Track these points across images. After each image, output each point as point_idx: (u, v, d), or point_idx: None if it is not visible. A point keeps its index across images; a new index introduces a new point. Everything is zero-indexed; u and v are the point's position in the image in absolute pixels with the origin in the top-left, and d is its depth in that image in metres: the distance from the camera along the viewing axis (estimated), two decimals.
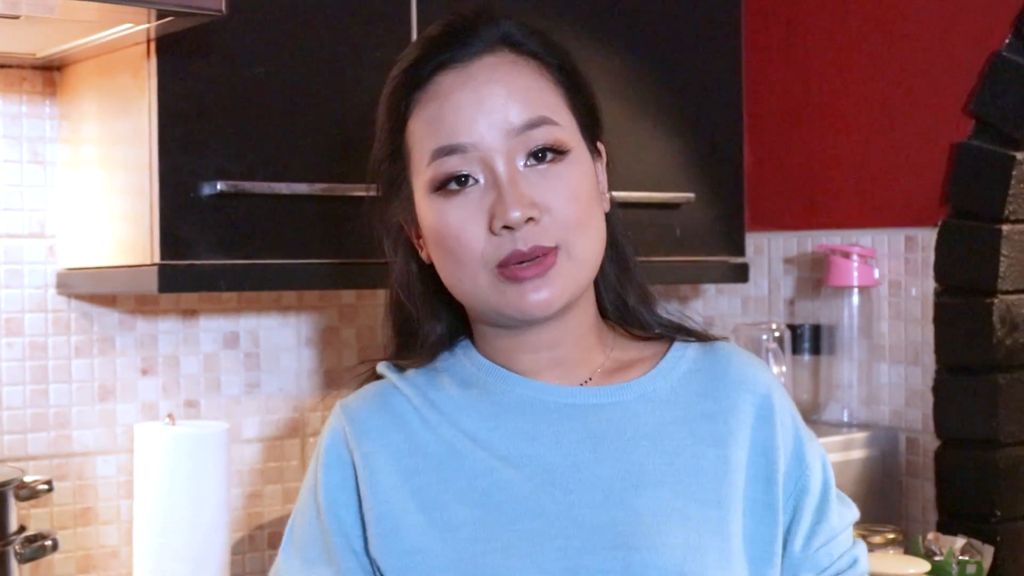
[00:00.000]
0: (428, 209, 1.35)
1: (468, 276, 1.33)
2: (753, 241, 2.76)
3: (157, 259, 1.82)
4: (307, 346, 2.37)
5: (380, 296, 2.39)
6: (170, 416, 2.04)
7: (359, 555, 1.35)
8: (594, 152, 1.42)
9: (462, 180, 1.32)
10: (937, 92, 2.49)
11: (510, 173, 1.31)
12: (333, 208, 1.95)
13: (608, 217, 1.42)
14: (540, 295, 1.31)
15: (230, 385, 2.30)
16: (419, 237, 1.41)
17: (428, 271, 1.42)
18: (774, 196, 2.77)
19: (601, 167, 1.43)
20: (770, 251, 2.79)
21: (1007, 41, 2.39)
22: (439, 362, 1.44)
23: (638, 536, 1.28)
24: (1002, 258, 2.39)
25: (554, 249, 1.31)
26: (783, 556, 1.38)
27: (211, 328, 2.28)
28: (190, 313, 2.25)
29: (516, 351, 1.40)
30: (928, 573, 2.16)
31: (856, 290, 2.60)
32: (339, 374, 2.39)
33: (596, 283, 1.43)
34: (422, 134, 1.35)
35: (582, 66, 1.42)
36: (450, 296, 1.41)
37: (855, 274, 2.57)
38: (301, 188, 1.91)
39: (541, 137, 1.33)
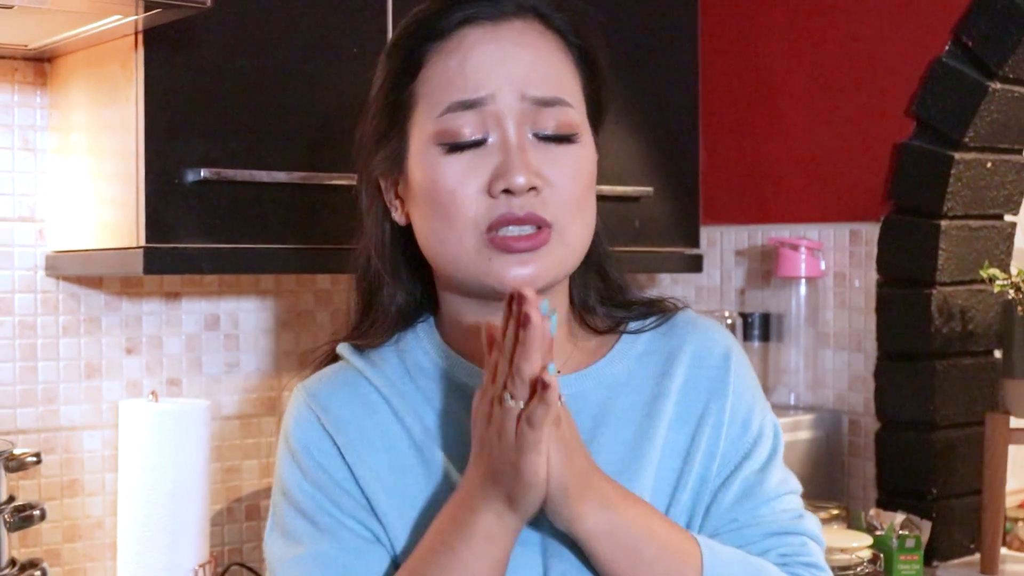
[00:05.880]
0: (425, 162, 1.23)
1: (454, 237, 1.22)
2: (707, 234, 2.76)
3: (142, 242, 1.80)
4: (284, 328, 2.35)
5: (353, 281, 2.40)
6: (153, 393, 2.02)
7: (355, 501, 1.25)
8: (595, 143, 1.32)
9: (472, 142, 1.22)
10: (881, 95, 2.50)
11: (520, 139, 1.22)
12: (311, 196, 1.92)
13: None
14: (525, 270, 1.21)
15: (211, 365, 2.27)
16: (397, 197, 1.29)
17: (400, 234, 1.31)
18: (727, 192, 2.76)
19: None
20: (723, 243, 2.79)
21: (947, 48, 2.40)
22: (401, 344, 1.33)
23: None
24: (940, 252, 2.40)
25: (549, 228, 1.22)
26: (709, 511, 1.29)
27: (193, 310, 2.25)
28: (173, 295, 2.22)
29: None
30: (870, 547, 2.16)
31: (803, 281, 2.61)
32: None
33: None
34: (438, 84, 1.23)
35: (603, 52, 1.32)
36: (418, 265, 1.31)
37: (802, 266, 2.58)
38: (281, 176, 1.89)
39: (554, 118, 1.23)
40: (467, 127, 1.22)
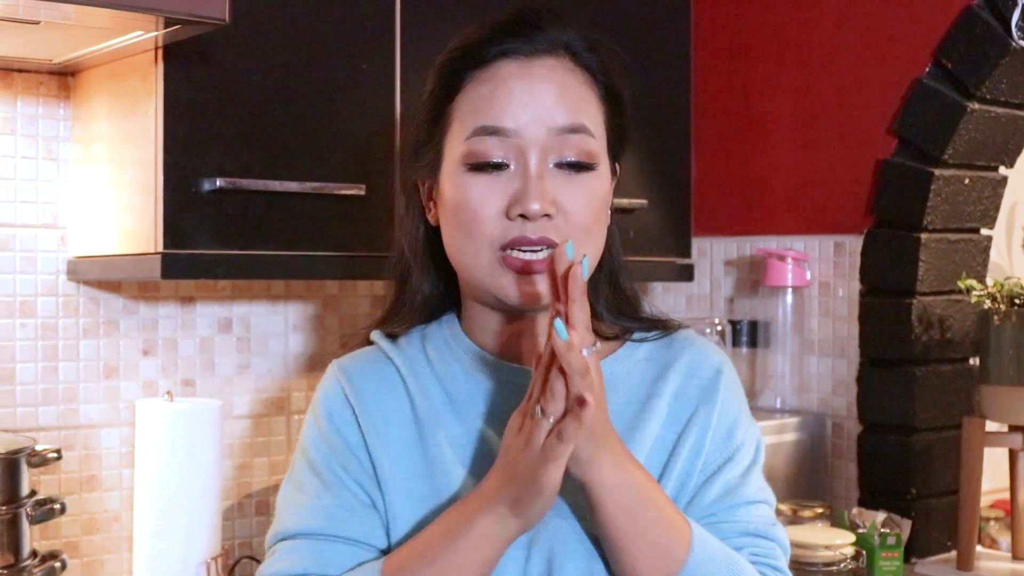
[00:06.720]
0: (454, 180, 1.32)
1: (472, 251, 1.30)
2: (698, 244, 2.76)
3: (160, 248, 1.81)
4: (294, 332, 2.36)
5: (361, 287, 2.42)
6: (168, 393, 2.03)
7: (361, 467, 1.33)
8: (613, 169, 1.40)
9: (494, 164, 1.29)
10: (864, 113, 2.51)
11: (540, 168, 1.28)
12: (321, 205, 1.94)
13: (608, 228, 1.39)
14: (532, 288, 1.29)
15: (223, 366, 2.28)
16: (431, 200, 1.38)
17: (432, 233, 1.39)
18: (718, 204, 2.78)
19: (612, 184, 1.40)
20: (713, 254, 2.80)
21: (927, 69, 2.41)
22: (426, 332, 1.41)
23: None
24: (920, 263, 2.42)
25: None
26: (691, 505, 1.33)
27: (207, 314, 2.26)
28: (188, 300, 2.24)
29: (499, 333, 1.37)
30: (853, 544, 2.18)
31: (790, 290, 2.62)
32: (323, 357, 2.37)
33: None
34: (469, 109, 1.31)
35: (628, 90, 1.40)
36: (446, 264, 1.38)
37: (789, 275, 2.59)
38: (293, 186, 1.90)
39: (576, 144, 1.30)
40: (491, 150, 1.29)
